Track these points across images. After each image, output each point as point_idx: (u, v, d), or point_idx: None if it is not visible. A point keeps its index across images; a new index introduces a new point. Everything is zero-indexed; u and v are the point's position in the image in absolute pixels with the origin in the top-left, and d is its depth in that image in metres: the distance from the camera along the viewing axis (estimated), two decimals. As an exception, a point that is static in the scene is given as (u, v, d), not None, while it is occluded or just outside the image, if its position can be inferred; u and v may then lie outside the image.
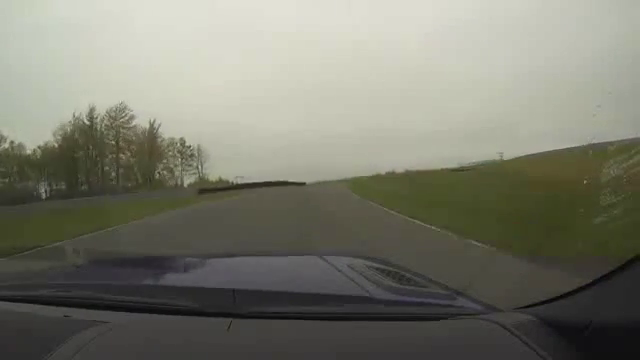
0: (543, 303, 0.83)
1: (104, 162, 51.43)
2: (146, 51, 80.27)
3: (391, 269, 1.32)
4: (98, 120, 50.76)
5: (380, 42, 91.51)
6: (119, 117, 51.69)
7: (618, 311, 0.64)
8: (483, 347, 0.73)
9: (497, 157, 53.34)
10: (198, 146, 60.28)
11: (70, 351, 0.70)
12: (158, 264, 1.70)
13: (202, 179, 60.01)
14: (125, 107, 51.52)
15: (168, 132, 57.53)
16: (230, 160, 74.58)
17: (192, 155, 59.74)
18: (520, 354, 0.67)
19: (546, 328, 0.74)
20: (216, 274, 1.43)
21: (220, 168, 74.69)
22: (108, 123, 51.45)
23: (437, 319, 0.83)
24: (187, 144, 59.61)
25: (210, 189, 43.31)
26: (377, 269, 1.28)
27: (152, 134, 54.95)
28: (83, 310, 0.93)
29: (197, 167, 60.61)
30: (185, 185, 57.35)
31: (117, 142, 52.27)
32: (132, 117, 52.23)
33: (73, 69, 67.94)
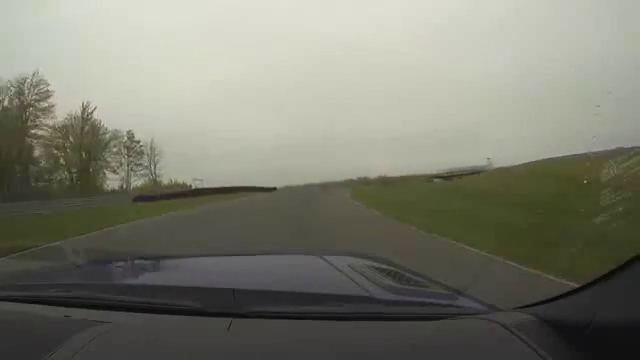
0: (543, 303, 0.83)
1: (10, 154, 34.08)
2: (100, 39, 70.89)
3: (391, 269, 1.32)
4: (6, 97, 35.34)
5: (353, 43, 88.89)
6: (32, 93, 36.37)
7: (618, 311, 0.64)
8: (483, 347, 0.73)
9: (485, 162, 51.81)
10: (151, 141, 47.22)
11: (70, 351, 0.70)
12: (158, 264, 1.70)
13: (154, 181, 48.51)
14: (41, 80, 36.03)
15: (119, 127, 45.01)
16: (190, 161, 64.69)
17: (142, 152, 47.30)
18: (520, 354, 0.67)
19: (546, 328, 0.74)
20: (216, 274, 1.43)
21: (178, 169, 64.06)
22: (19, 102, 35.79)
23: (437, 319, 0.83)
24: (136, 139, 46.47)
25: (154, 196, 32.10)
26: (377, 269, 1.28)
27: (85, 121, 40.81)
28: (83, 310, 0.93)
29: (149, 167, 48.13)
30: (132, 188, 45.96)
31: (22, 126, 36.11)
32: (48, 94, 36.61)
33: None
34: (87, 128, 41.70)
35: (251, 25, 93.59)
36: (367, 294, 0.98)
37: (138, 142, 47.40)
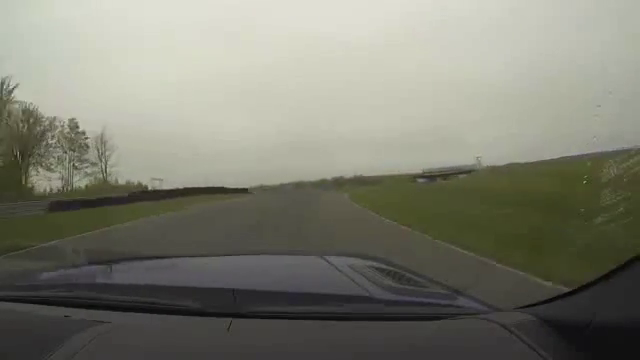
0: (543, 303, 0.83)
1: None
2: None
3: (391, 269, 1.32)
4: None
5: (332, 39, 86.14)
6: None
7: (618, 311, 0.64)
8: (483, 347, 0.73)
9: (473, 162, 50.51)
10: (102, 134, 39.01)
11: (70, 351, 0.70)
12: (158, 264, 1.70)
13: (104, 181, 40.03)
14: None
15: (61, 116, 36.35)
16: (150, 159, 54.08)
17: (88, 146, 38.83)
18: (520, 354, 0.67)
19: (546, 328, 0.74)
20: (216, 274, 1.43)
21: (136, 167, 52.16)
22: None
23: (437, 319, 0.83)
24: (81, 129, 37.94)
25: (86, 202, 23.39)
26: (377, 269, 1.28)
27: (5, 102, 31.37)
28: (83, 310, 0.93)
29: (99, 164, 39.66)
30: (75, 189, 37.35)
31: None
32: None
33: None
34: (17, 114, 32.23)
35: (223, 21, 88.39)
36: (367, 294, 0.98)
37: (83, 134, 38.33)
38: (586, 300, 0.72)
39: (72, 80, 58.56)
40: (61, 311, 0.92)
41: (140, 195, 31.10)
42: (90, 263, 1.67)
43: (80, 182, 39.88)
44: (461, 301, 1.02)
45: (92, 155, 40.17)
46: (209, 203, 23.94)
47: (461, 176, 42.37)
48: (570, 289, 0.78)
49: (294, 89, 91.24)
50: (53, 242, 9.31)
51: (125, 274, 1.53)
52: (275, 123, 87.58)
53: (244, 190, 51.61)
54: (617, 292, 0.66)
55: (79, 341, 0.73)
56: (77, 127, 38.41)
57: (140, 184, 44.54)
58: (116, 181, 42.08)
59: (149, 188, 41.84)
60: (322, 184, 59.14)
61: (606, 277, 0.68)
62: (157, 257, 1.97)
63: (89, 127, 39.49)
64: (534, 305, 0.85)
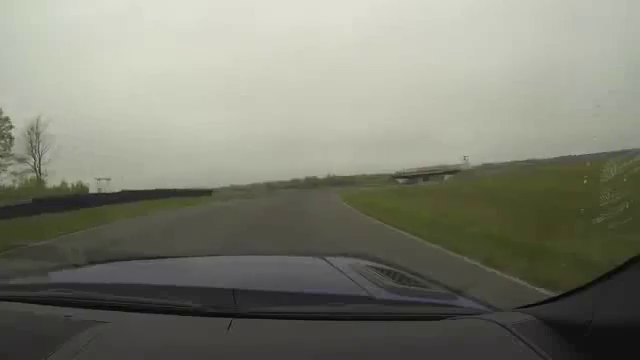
0: (543, 303, 0.83)
1: None
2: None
3: (391, 269, 1.32)
4: None
5: (306, 36, 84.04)
6: None
7: (618, 311, 0.64)
8: (483, 347, 0.73)
9: (457, 162, 48.97)
10: (36, 123, 32.18)
11: (70, 351, 0.70)
12: (158, 264, 1.70)
13: (38, 181, 33.16)
14: None
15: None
16: (101, 156, 46.11)
17: (12, 137, 31.50)
18: (520, 354, 0.68)
19: (546, 328, 0.74)
20: (216, 274, 1.43)
21: (83, 166, 42.13)
22: None
23: (437, 319, 0.83)
24: (4, 116, 30.42)
25: None
26: (377, 269, 1.28)
27: None
28: (83, 310, 0.93)
29: (33, 161, 32.84)
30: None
31: None
32: None
33: None
34: None
35: (186, 14, 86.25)
36: (367, 294, 0.98)
37: (6, 121, 30.43)
38: (586, 300, 0.72)
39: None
40: (61, 311, 0.92)
41: (59, 201, 22.46)
42: (90, 263, 1.67)
43: (4, 182, 32.58)
44: (461, 301, 1.02)
45: (21, 149, 32.71)
46: (134, 215, 17.08)
47: (447, 176, 41.70)
48: (570, 289, 0.78)
49: (266, 87, 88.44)
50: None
51: (125, 274, 1.52)
52: (245, 122, 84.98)
53: (208, 192, 44.77)
54: (617, 292, 0.66)
55: (79, 341, 0.73)
56: (0, 113, 30.91)
57: (81, 185, 37.76)
58: (40, 181, 34.06)
59: (90, 190, 35.46)
60: (294, 184, 58.21)
61: (605, 277, 0.69)
62: (157, 257, 1.97)
63: (18, 117, 32.46)
64: (534, 305, 0.85)
